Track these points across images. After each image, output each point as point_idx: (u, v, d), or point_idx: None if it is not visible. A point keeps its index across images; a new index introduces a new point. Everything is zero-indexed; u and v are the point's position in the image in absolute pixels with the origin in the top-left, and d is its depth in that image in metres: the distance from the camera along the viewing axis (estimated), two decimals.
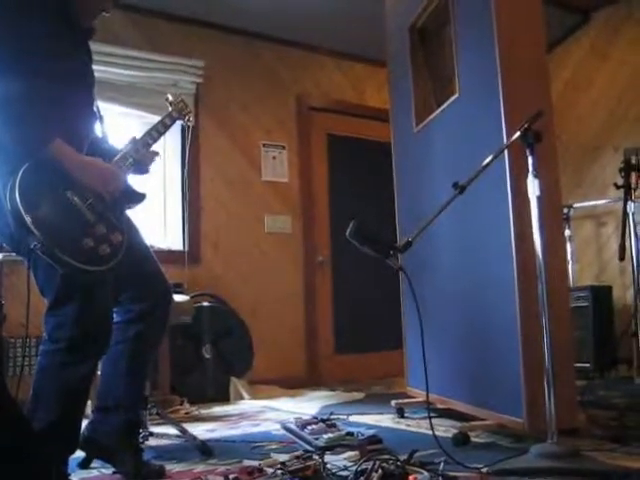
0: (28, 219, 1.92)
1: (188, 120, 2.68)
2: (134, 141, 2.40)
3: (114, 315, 2.34)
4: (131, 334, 2.41)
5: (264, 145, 5.49)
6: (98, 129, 2.42)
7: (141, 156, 2.41)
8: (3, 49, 2.01)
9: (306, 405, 4.20)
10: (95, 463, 2.52)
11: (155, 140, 2.49)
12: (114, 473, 2.40)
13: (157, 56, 4.87)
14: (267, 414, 3.92)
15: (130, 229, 2.36)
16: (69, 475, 2.19)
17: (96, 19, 2.40)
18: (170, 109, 2.61)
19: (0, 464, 1.39)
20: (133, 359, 2.43)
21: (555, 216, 2.79)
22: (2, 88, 1.99)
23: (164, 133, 2.55)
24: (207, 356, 4.61)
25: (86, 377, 2.21)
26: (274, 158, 5.51)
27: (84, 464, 2.49)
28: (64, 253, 1.97)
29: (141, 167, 2.45)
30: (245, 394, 4.58)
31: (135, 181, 2.43)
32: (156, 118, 4.81)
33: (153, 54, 4.85)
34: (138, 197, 2.40)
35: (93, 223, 2.11)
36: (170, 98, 2.64)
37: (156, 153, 2.53)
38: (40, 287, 2.18)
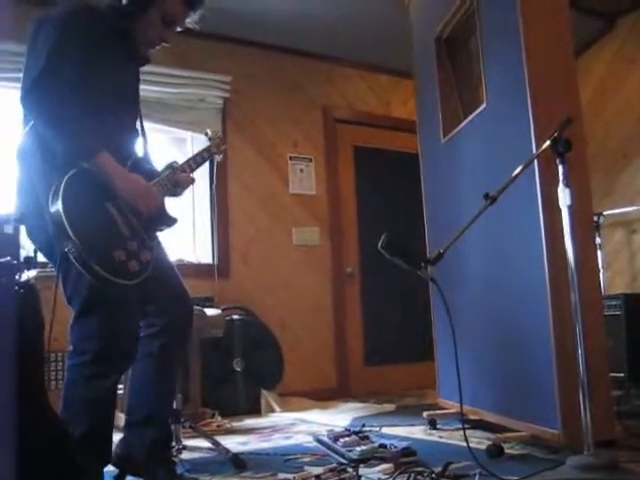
0: (67, 223, 1.98)
1: (221, 156, 2.81)
2: (173, 166, 2.48)
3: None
4: (155, 348, 2.43)
5: (291, 158, 5.52)
6: (140, 148, 2.50)
7: (178, 180, 2.49)
8: (65, 66, 2.10)
9: (337, 417, 4.19)
10: (130, 478, 2.54)
11: (193, 170, 2.60)
12: None
13: (185, 72, 4.92)
14: (299, 426, 3.92)
15: (158, 246, 2.42)
16: None
17: (155, 49, 2.50)
18: (210, 144, 2.71)
19: (40, 471, 1.42)
20: (160, 373, 2.46)
21: (586, 225, 2.76)
22: (57, 99, 2.07)
23: (202, 164, 2.66)
24: (238, 369, 4.62)
25: (112, 388, 2.24)
26: (301, 171, 5.54)
27: (119, 479, 2.51)
28: (95, 261, 2.01)
29: (176, 190, 2.52)
30: (276, 406, 4.59)
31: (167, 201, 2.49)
32: (183, 133, 4.93)
33: (181, 70, 4.90)
34: (170, 221, 2.46)
35: (127, 238, 2.16)
36: (210, 133, 2.77)
37: (193, 179, 2.60)
38: (68, 296, 2.22)
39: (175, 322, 2.49)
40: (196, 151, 2.73)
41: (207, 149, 2.69)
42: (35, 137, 2.16)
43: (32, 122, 2.17)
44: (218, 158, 2.79)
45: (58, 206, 1.99)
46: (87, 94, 2.14)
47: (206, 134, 2.78)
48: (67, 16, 2.21)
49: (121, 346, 2.21)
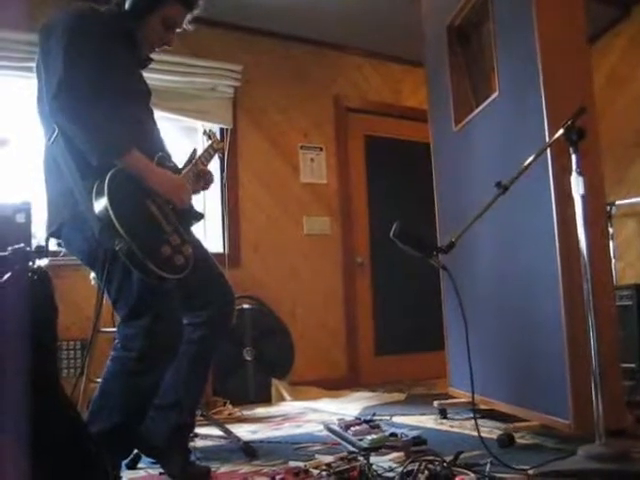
0: (115, 220, 1.99)
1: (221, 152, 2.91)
2: (194, 158, 2.53)
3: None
4: (196, 337, 2.47)
5: (302, 147, 5.51)
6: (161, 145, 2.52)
7: (201, 173, 2.52)
8: (87, 72, 2.12)
9: (348, 406, 4.20)
10: (142, 463, 2.56)
11: (205, 165, 2.62)
12: (161, 474, 2.43)
13: (196, 61, 4.91)
14: (309, 415, 3.94)
15: (194, 239, 2.46)
16: (121, 478, 2.24)
17: (156, 51, 2.54)
18: (211, 141, 2.75)
19: (54, 457, 1.42)
20: (196, 361, 2.49)
21: (599, 214, 2.74)
22: (83, 104, 2.09)
23: (210, 161, 2.68)
24: (248, 358, 4.64)
25: (154, 385, 2.26)
26: (312, 160, 5.53)
27: (131, 464, 2.53)
28: (146, 257, 2.02)
29: (201, 184, 2.55)
30: (286, 395, 4.60)
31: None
32: (194, 122, 4.92)
33: (192, 59, 4.89)
34: (198, 216, 2.48)
35: (169, 232, 2.18)
36: (207, 131, 2.85)
37: (211, 174, 2.63)
38: (113, 299, 2.23)
39: (218, 316, 2.53)
40: (204, 147, 2.76)
41: (211, 146, 2.72)
42: (63, 145, 2.15)
43: (56, 132, 2.16)
44: (218, 155, 2.82)
45: (105, 204, 2.00)
46: (107, 96, 2.15)
47: (204, 132, 2.85)
48: (75, 19, 2.22)
49: (166, 344, 2.21)
